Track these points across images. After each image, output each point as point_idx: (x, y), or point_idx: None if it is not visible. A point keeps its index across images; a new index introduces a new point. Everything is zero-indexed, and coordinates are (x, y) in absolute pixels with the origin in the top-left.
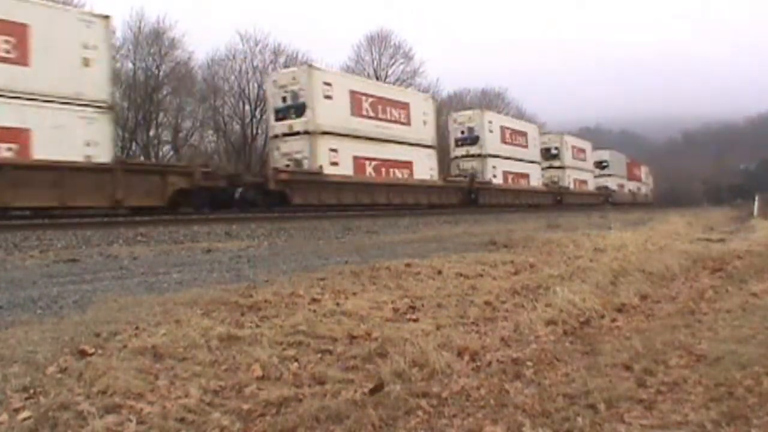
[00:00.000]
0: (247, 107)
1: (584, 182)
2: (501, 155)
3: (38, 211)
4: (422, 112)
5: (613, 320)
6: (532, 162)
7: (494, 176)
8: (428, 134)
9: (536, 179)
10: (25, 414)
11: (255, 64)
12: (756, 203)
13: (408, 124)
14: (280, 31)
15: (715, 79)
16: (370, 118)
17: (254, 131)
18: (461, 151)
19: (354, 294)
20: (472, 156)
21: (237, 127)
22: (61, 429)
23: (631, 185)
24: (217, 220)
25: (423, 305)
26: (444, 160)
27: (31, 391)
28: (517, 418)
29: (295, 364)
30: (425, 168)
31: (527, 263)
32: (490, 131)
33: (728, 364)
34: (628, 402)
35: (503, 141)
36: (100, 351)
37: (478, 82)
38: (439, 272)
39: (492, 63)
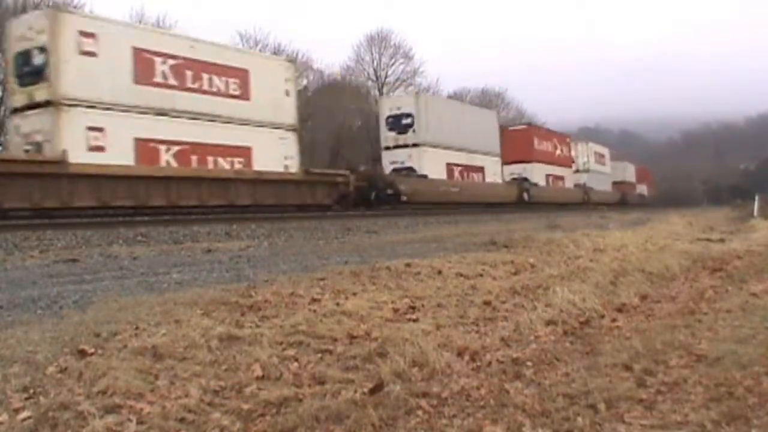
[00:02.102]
0: None
1: (222, 151)
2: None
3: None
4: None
5: (613, 320)
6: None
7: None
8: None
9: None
10: (25, 414)
11: None
12: (756, 203)
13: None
14: (280, 31)
15: (715, 79)
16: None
17: None
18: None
19: (354, 294)
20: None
21: None
22: (61, 429)
23: (532, 171)
24: (217, 220)
25: (423, 305)
26: None
27: (31, 391)
28: (517, 418)
29: (295, 364)
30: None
31: (527, 263)
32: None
33: (728, 364)
34: (628, 402)
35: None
36: (100, 351)
37: (478, 82)
38: (439, 272)
39: (492, 63)
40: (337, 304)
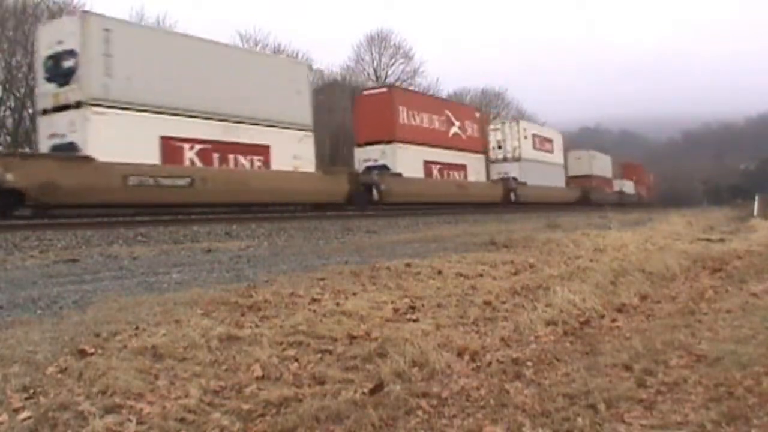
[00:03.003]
0: None
1: None
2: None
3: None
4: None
5: (613, 320)
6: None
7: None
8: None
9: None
10: (25, 414)
11: None
12: (756, 203)
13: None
14: (280, 31)
15: (715, 79)
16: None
17: None
18: None
19: (354, 294)
20: None
21: None
22: (61, 429)
23: (396, 156)
24: (217, 220)
25: (423, 305)
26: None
27: (31, 391)
28: (517, 418)
29: (295, 364)
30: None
31: (527, 263)
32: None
33: (728, 364)
34: (628, 402)
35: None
36: (100, 351)
37: (478, 82)
38: (439, 272)
39: (492, 63)
40: (337, 304)
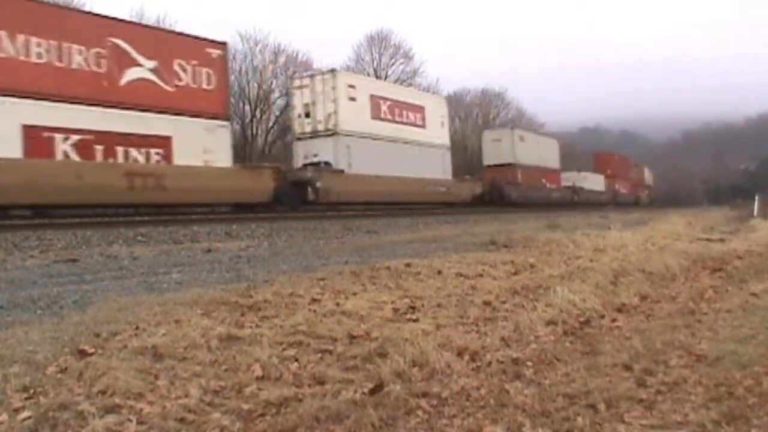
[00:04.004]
0: (246, 107)
1: None
2: None
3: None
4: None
5: (613, 320)
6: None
7: None
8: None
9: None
10: (25, 414)
11: (255, 64)
12: (756, 203)
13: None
14: (280, 31)
15: (715, 79)
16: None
17: (254, 131)
18: None
19: (354, 294)
20: None
21: (237, 126)
22: (61, 429)
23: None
24: (217, 220)
25: (423, 305)
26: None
27: (31, 391)
28: (517, 418)
29: (295, 364)
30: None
31: (527, 263)
32: None
33: (728, 364)
34: (628, 402)
35: None
36: (100, 351)
37: (478, 82)
38: (439, 272)
39: (492, 63)
40: (337, 304)
